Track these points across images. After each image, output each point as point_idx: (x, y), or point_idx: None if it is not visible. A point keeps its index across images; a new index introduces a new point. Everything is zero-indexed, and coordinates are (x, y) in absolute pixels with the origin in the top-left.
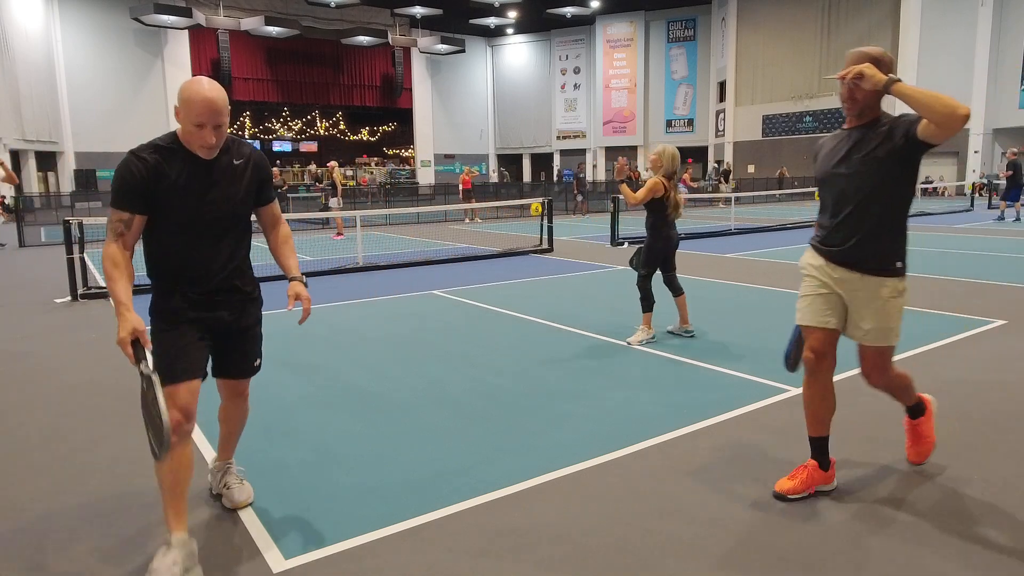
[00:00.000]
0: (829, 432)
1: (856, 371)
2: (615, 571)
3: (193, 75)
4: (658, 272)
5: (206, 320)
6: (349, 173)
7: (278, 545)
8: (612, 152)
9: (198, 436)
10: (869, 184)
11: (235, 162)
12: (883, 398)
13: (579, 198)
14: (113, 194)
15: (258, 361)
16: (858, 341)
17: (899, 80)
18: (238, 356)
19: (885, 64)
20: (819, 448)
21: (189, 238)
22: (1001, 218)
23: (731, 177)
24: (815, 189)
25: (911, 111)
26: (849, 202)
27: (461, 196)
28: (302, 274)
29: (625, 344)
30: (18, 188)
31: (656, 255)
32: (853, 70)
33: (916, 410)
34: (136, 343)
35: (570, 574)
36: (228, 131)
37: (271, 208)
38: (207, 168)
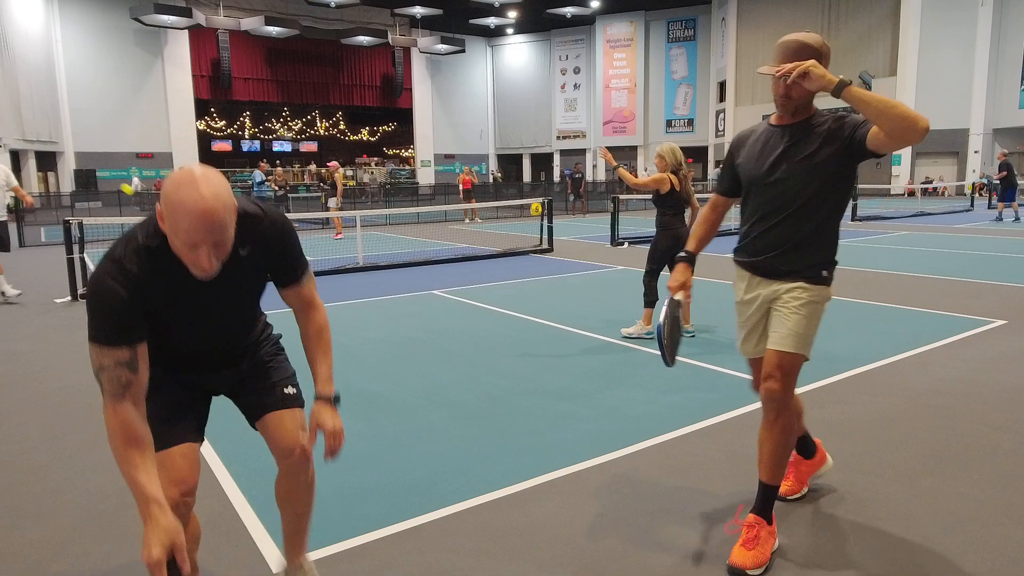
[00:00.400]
0: (805, 430)
1: (861, 368)
2: (615, 571)
3: (194, 75)
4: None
5: (204, 383)
6: (349, 173)
7: (278, 545)
8: (612, 152)
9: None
10: (808, 190)
11: (240, 253)
12: (883, 399)
13: (571, 198)
14: (97, 329)
15: (291, 388)
16: (770, 346)
17: (851, 83)
18: (259, 390)
19: (826, 56)
20: (797, 442)
21: (180, 343)
22: (999, 219)
23: None
24: None
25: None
26: (783, 209)
27: (461, 196)
28: (334, 389)
29: (621, 335)
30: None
31: (664, 253)
32: (799, 68)
33: (763, 503)
34: (171, 563)
35: (570, 574)
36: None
37: (297, 292)
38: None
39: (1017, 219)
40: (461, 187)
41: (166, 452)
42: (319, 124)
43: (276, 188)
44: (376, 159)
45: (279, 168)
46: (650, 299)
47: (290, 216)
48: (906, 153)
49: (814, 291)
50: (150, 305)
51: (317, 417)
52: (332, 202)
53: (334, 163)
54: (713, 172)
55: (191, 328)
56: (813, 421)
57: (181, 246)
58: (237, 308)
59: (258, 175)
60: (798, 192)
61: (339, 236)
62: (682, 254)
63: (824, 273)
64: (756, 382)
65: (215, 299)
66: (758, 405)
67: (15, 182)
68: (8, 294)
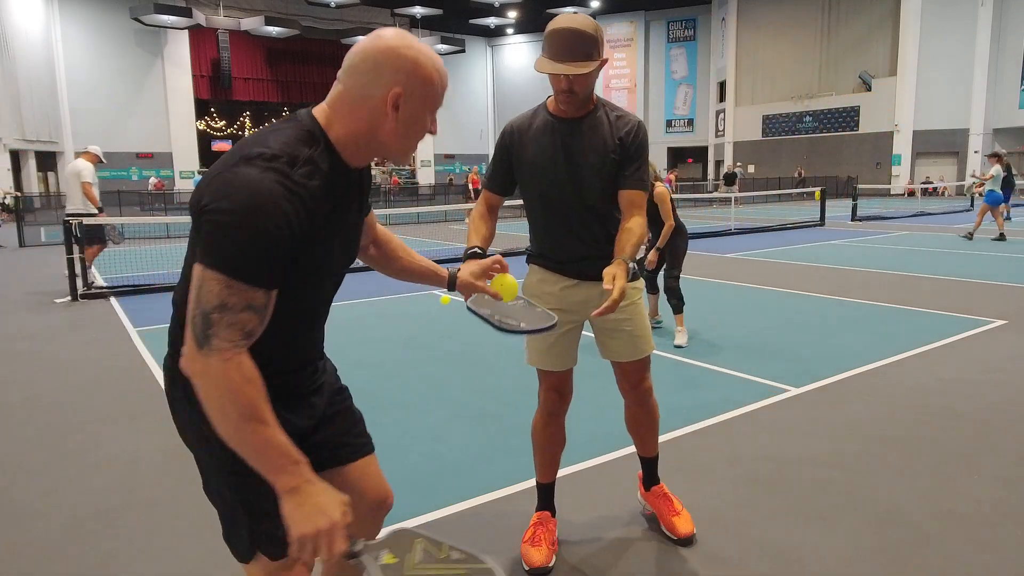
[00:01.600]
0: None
1: (861, 368)
2: (615, 571)
3: (194, 75)
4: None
5: (301, 425)
6: None
7: None
8: None
9: None
10: (609, 184)
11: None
12: (884, 398)
13: None
14: (236, 256)
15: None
16: (622, 360)
17: (625, 261)
18: (344, 422)
19: (601, 41)
20: (550, 495)
21: (309, 309)
22: (1007, 218)
23: (736, 180)
24: (817, 189)
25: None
26: (589, 207)
27: (472, 196)
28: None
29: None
30: (18, 188)
31: (683, 254)
32: (616, 301)
33: (653, 473)
34: None
35: (569, 573)
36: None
37: (372, 220)
38: (356, 190)
39: (1008, 218)
40: (471, 186)
41: (283, 565)
42: None
43: None
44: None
45: None
46: (682, 304)
47: None
48: (906, 153)
49: (635, 288)
50: (306, 238)
51: (482, 277)
52: None
53: None
54: (713, 173)
55: (326, 289)
56: (814, 421)
57: (419, 120)
58: (356, 248)
59: None
60: (602, 188)
61: None
62: (475, 250)
63: (634, 265)
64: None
65: (351, 235)
66: (759, 405)
67: (87, 178)
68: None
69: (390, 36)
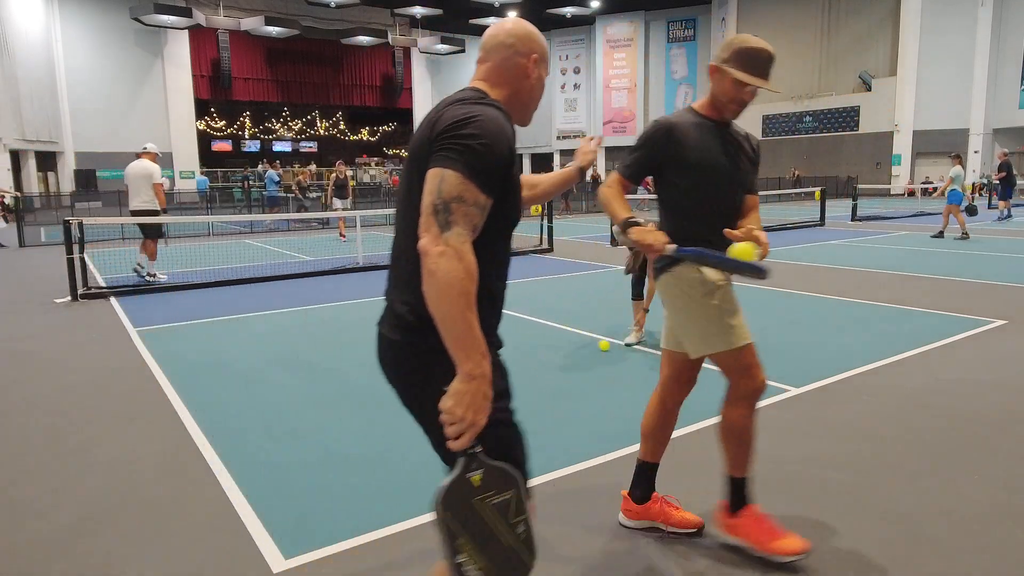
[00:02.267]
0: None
1: (862, 368)
2: (616, 571)
3: (194, 75)
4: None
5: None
6: (349, 173)
7: (278, 545)
8: (612, 152)
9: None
10: (746, 185)
11: None
12: (884, 398)
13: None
14: (476, 162)
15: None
16: (752, 340)
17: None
18: None
19: None
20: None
21: (507, 247)
22: (1008, 216)
23: None
24: (817, 189)
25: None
26: (739, 203)
27: None
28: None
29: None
30: (18, 188)
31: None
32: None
33: (741, 495)
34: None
35: (569, 573)
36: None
37: None
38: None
39: (1009, 216)
40: None
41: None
42: (319, 124)
43: (297, 188)
44: (376, 159)
45: (307, 169)
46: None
47: (300, 216)
48: (906, 153)
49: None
50: (513, 165)
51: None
52: (350, 202)
53: (340, 163)
54: None
55: (516, 208)
56: (814, 421)
57: (543, 82)
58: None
59: (273, 175)
60: (743, 184)
61: (344, 239)
62: (638, 220)
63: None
64: (757, 370)
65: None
66: (759, 405)
67: (158, 179)
68: (157, 276)
69: (514, 19)
